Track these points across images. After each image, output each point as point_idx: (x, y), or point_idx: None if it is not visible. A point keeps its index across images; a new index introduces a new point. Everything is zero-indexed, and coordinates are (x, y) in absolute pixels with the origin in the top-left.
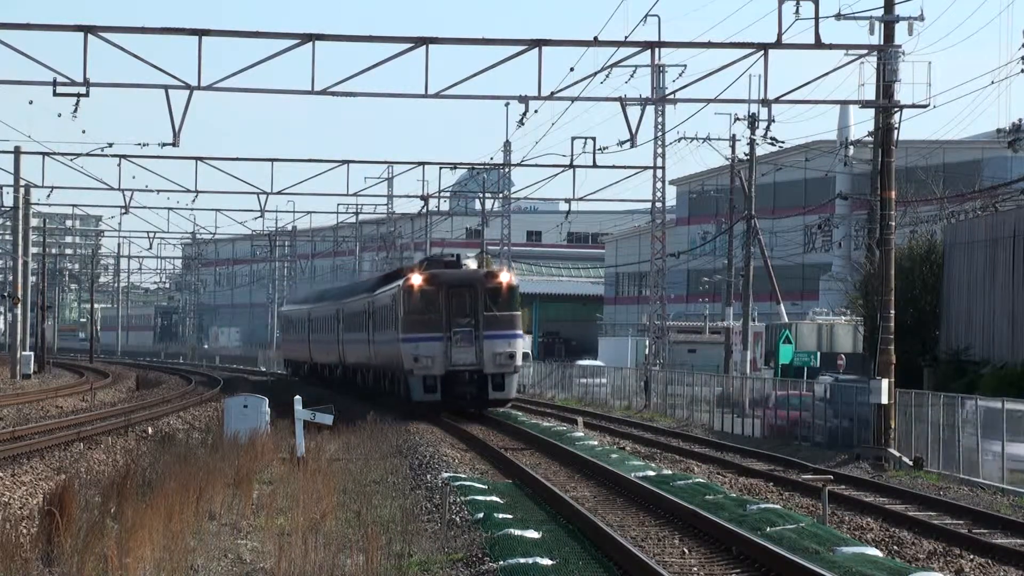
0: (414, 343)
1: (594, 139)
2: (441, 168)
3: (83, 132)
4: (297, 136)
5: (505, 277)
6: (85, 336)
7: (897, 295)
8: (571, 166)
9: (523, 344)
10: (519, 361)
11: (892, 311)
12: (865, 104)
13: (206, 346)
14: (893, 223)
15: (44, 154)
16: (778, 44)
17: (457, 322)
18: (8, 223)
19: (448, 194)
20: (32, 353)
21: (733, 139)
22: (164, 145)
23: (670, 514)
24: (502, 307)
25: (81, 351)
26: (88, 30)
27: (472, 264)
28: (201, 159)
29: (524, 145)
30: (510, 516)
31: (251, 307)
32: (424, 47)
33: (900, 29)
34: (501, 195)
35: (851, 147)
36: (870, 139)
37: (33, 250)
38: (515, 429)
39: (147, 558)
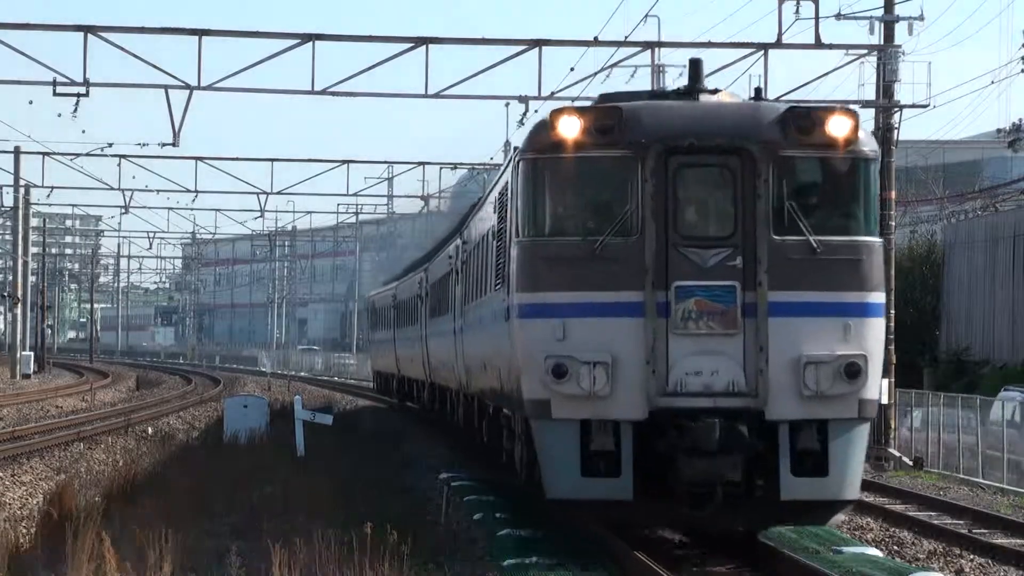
0: (551, 320)
1: None
2: (441, 168)
3: (83, 132)
4: (297, 136)
5: (842, 125)
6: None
7: (897, 295)
8: None
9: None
10: (875, 388)
11: (892, 311)
12: (865, 104)
13: (144, 344)
14: (893, 223)
15: (44, 154)
16: (778, 44)
17: (689, 257)
18: (8, 223)
19: (448, 194)
20: (32, 353)
21: None
22: (164, 145)
23: None
24: (830, 223)
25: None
26: (88, 30)
27: (727, 97)
28: (201, 159)
29: None
30: (510, 515)
31: (179, 306)
32: (424, 47)
33: (900, 29)
34: None
35: None
36: None
37: (33, 250)
38: None
39: (147, 558)
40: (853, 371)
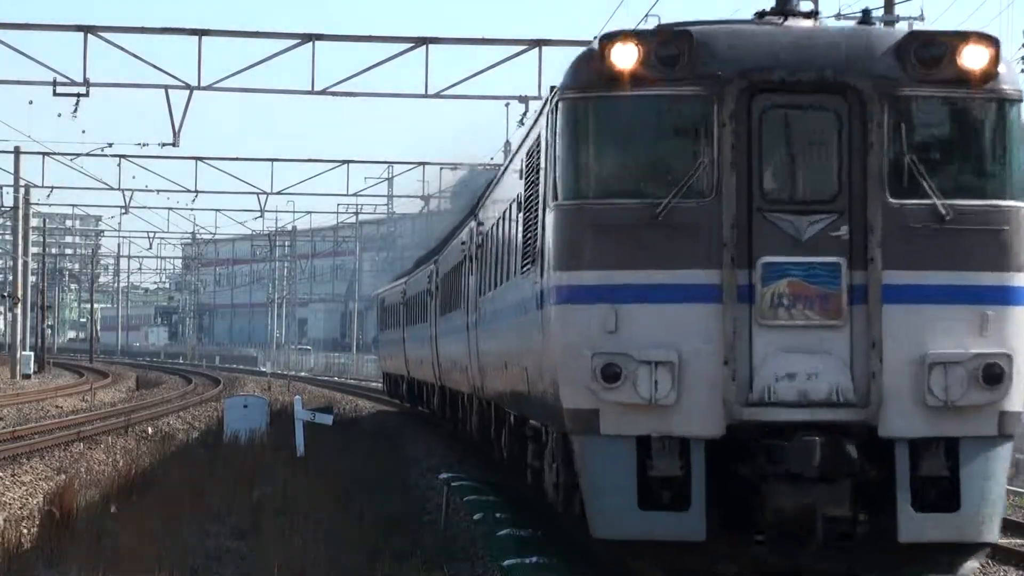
0: (600, 307)
1: None
2: (441, 168)
3: (83, 132)
4: (297, 136)
5: (979, 56)
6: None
7: None
8: None
9: None
10: (1019, 397)
11: None
12: None
13: (137, 344)
14: None
15: (44, 154)
16: None
17: (780, 226)
18: (8, 223)
19: (449, 194)
20: (32, 353)
21: None
22: (164, 145)
23: None
24: (963, 182)
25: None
26: (88, 30)
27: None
28: (201, 159)
29: None
30: (510, 515)
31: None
32: (424, 47)
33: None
34: None
35: None
36: None
37: (33, 250)
38: None
39: (147, 558)
40: (993, 375)
